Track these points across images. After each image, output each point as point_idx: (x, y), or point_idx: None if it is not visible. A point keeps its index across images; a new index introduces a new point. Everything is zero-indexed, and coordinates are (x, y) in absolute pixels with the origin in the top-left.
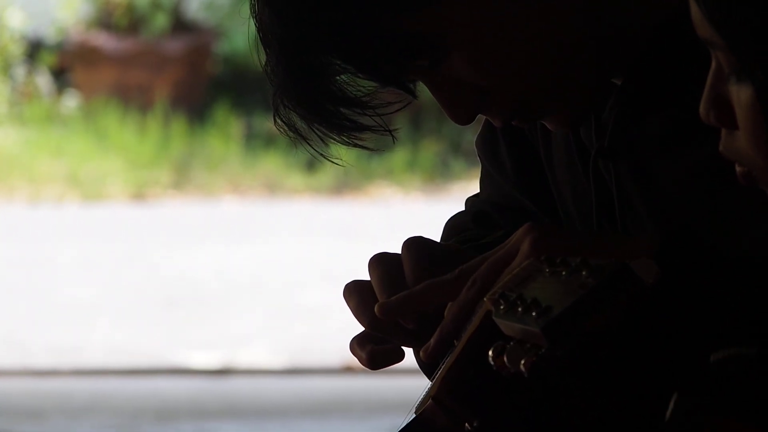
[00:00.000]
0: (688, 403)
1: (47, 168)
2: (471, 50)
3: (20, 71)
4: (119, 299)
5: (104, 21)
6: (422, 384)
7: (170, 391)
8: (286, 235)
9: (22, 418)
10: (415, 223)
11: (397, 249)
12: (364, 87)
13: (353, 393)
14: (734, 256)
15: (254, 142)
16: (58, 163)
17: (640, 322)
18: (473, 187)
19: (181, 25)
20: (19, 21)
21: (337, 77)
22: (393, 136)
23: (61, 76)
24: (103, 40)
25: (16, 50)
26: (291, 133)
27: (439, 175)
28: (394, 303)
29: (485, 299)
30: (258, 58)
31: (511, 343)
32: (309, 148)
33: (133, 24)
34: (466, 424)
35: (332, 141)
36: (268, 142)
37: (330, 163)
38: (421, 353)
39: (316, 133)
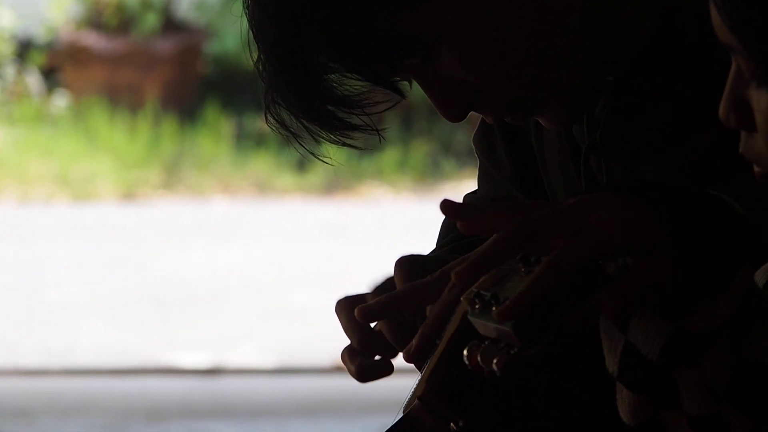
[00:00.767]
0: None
1: (36, 168)
2: (464, 49)
3: (10, 71)
4: (109, 299)
5: (94, 21)
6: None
7: (160, 391)
8: (277, 235)
9: (11, 417)
10: (406, 223)
11: (387, 249)
12: (353, 86)
13: (344, 393)
14: None
15: (244, 142)
16: (47, 163)
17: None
18: (464, 187)
19: (171, 25)
20: (8, 20)
21: (328, 76)
22: (381, 135)
23: (50, 76)
24: (93, 40)
25: (6, 50)
26: (282, 131)
27: (429, 175)
28: (376, 306)
29: (462, 299)
30: (249, 57)
31: (486, 343)
32: (299, 146)
33: (123, 24)
34: (452, 424)
35: (322, 139)
36: (259, 142)
37: (320, 162)
38: (403, 354)
39: (307, 131)
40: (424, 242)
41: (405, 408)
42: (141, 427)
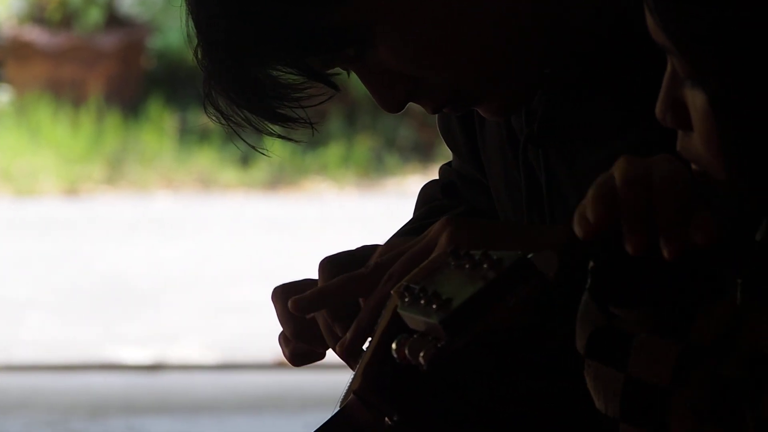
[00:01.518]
0: None
1: None
2: (398, 41)
3: None
4: (51, 294)
5: (37, 15)
6: None
7: (102, 387)
8: (220, 230)
9: None
10: (349, 218)
11: (330, 244)
12: (289, 79)
13: (286, 388)
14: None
15: (188, 137)
16: None
17: (540, 315)
18: (407, 183)
19: (114, 20)
20: None
21: (263, 69)
22: (315, 129)
23: None
24: (36, 35)
25: None
26: (222, 121)
27: (373, 170)
28: (308, 298)
29: (392, 292)
30: (191, 51)
31: (414, 336)
32: (240, 139)
33: (66, 19)
34: (387, 419)
35: (259, 131)
36: (202, 137)
37: (264, 158)
38: (337, 348)
39: (246, 121)
40: (368, 236)
41: (341, 402)
42: (83, 423)
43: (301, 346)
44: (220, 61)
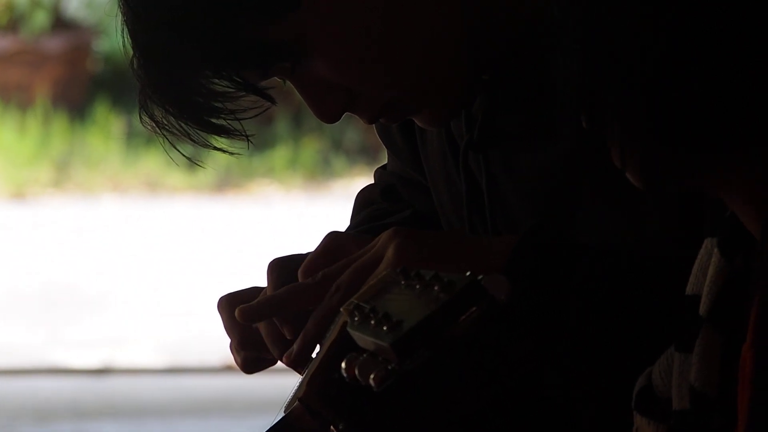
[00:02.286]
0: None
1: None
2: (332, 53)
3: None
4: None
5: None
6: None
7: (49, 391)
8: (167, 233)
9: None
10: (297, 221)
11: (277, 247)
12: (225, 91)
13: (233, 392)
14: (595, 247)
15: (135, 140)
16: None
17: (491, 337)
18: (355, 185)
19: (60, 23)
20: None
21: (196, 80)
22: (250, 141)
23: None
24: None
25: None
26: (158, 131)
27: (320, 172)
28: (255, 307)
29: (341, 309)
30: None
31: (364, 356)
32: (171, 148)
33: (12, 22)
34: (332, 427)
35: (197, 144)
36: (149, 140)
37: (211, 161)
38: (284, 358)
39: (182, 133)
40: (315, 239)
41: (286, 408)
42: (29, 427)
43: (251, 355)
44: (156, 73)
